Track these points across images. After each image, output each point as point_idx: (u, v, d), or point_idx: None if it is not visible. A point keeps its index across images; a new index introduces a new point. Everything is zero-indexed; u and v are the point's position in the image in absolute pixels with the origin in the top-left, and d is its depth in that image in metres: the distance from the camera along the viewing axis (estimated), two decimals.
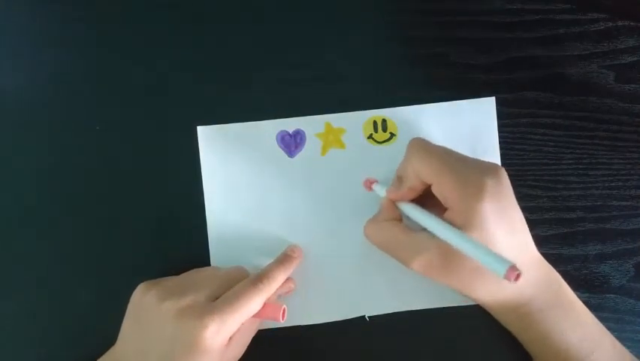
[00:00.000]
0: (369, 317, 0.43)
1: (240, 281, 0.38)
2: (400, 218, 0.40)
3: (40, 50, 0.44)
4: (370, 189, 0.42)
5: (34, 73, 0.44)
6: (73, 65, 0.44)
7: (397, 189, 0.39)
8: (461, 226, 0.34)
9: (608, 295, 0.43)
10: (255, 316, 0.37)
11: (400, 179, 0.39)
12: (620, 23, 0.44)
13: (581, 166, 0.44)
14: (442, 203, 0.36)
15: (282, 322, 0.38)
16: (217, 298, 0.37)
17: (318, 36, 0.44)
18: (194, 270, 0.41)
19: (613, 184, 0.44)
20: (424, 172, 0.37)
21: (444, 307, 0.42)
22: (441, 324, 0.42)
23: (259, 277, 0.38)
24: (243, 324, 0.37)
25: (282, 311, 0.38)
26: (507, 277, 0.29)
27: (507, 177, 0.36)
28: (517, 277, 0.29)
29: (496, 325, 0.41)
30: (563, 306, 0.38)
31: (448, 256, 0.35)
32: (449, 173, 0.35)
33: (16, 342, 0.42)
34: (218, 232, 0.43)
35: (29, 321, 0.43)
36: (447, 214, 0.36)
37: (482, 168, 0.36)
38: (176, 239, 0.43)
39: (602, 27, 0.44)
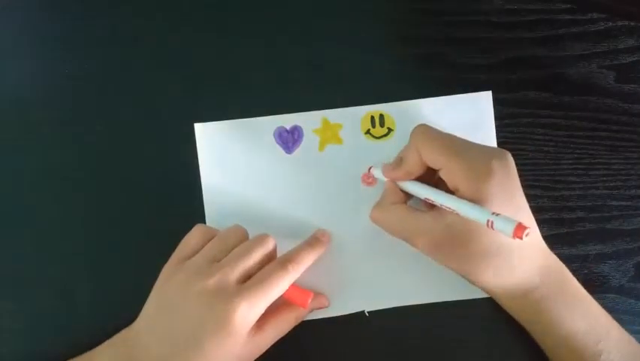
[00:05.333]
0: (368, 312, 0.42)
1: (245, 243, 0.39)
2: (405, 200, 0.40)
3: (40, 51, 0.44)
4: (368, 184, 0.43)
5: (34, 73, 0.44)
6: (73, 64, 0.44)
7: (395, 169, 0.39)
8: None
9: (608, 295, 0.43)
10: (283, 296, 0.38)
11: (399, 160, 0.40)
12: (620, 23, 0.44)
13: (581, 166, 0.44)
14: (450, 187, 0.37)
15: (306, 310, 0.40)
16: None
17: (316, 33, 0.44)
18: (194, 234, 0.40)
19: (613, 184, 0.44)
20: (432, 159, 0.37)
21: (445, 302, 0.42)
22: (441, 319, 0.42)
23: (288, 260, 0.38)
24: (279, 312, 0.39)
25: (308, 299, 0.39)
26: (515, 235, 0.29)
27: (513, 160, 0.37)
28: (525, 231, 0.29)
29: (498, 319, 0.41)
30: (569, 294, 0.38)
31: (456, 235, 0.36)
32: (457, 157, 0.36)
33: (16, 341, 0.43)
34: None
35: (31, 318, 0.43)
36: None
37: (489, 151, 0.37)
38: (175, 237, 0.42)
39: (602, 27, 0.44)
